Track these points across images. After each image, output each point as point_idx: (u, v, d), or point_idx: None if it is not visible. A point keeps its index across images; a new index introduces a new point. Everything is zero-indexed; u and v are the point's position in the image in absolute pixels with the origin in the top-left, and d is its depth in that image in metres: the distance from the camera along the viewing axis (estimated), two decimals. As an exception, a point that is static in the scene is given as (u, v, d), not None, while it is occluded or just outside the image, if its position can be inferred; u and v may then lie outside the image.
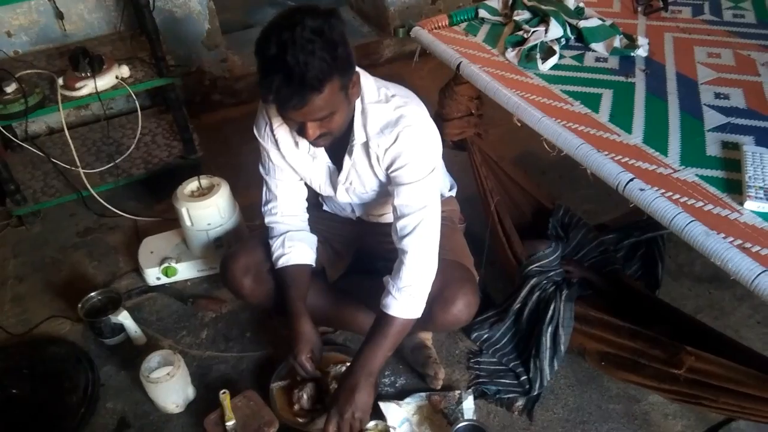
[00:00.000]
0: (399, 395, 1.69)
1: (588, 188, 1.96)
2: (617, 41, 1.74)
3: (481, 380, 1.72)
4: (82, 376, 1.77)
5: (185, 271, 2.08)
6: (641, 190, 1.26)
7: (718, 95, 1.54)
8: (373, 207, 1.65)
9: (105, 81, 2.14)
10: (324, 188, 1.57)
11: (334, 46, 1.18)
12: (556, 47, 1.73)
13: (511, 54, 1.74)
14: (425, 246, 1.42)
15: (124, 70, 2.20)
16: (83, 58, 2.10)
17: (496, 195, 1.86)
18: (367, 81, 1.38)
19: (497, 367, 1.75)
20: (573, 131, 1.43)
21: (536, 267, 1.72)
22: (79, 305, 1.90)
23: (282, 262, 1.56)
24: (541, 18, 1.81)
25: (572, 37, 1.81)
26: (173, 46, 2.69)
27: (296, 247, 1.57)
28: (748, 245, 1.13)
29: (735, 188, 1.26)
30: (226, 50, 2.96)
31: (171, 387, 1.64)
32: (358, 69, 1.31)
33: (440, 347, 1.81)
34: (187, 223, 1.98)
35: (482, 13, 1.94)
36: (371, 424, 1.51)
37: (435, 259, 1.45)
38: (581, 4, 1.89)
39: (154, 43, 2.17)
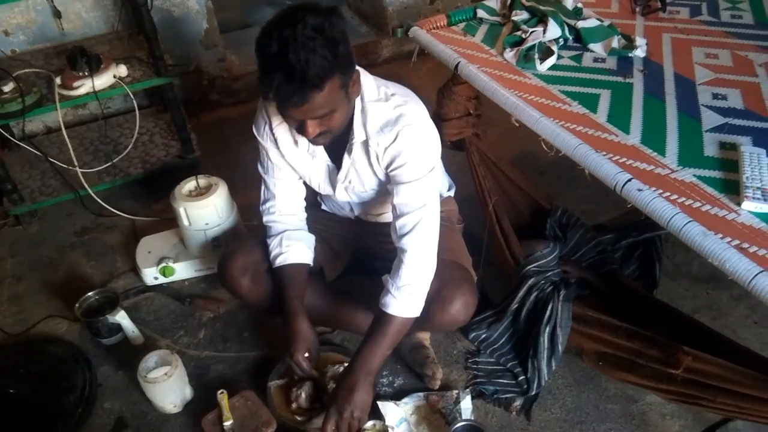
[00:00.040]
0: (397, 395, 1.69)
1: (586, 188, 1.97)
2: (615, 42, 1.74)
3: (479, 380, 1.73)
4: (80, 376, 1.77)
5: (183, 270, 2.08)
6: (639, 190, 1.26)
7: (715, 96, 1.54)
8: (372, 206, 1.65)
9: (103, 80, 2.13)
10: (323, 187, 1.57)
11: (335, 44, 1.19)
12: (555, 47, 1.73)
13: (510, 54, 1.74)
14: (424, 245, 1.42)
15: (122, 70, 2.19)
16: (81, 58, 2.09)
17: (494, 195, 1.86)
18: (366, 80, 1.39)
19: (495, 367, 1.76)
20: (571, 131, 1.44)
21: (534, 267, 1.72)
22: (77, 305, 1.90)
23: (279, 261, 1.56)
24: (539, 18, 1.81)
25: (570, 38, 1.81)
26: (171, 46, 2.69)
27: (294, 246, 1.57)
28: (745, 246, 1.13)
29: (732, 189, 1.26)
30: (224, 50, 2.96)
31: (168, 387, 1.64)
32: (357, 68, 1.31)
33: (438, 347, 1.81)
34: (185, 222, 1.98)
35: (480, 13, 1.94)
36: (369, 424, 1.51)
37: (434, 257, 1.45)
38: (579, 5, 1.89)
39: (152, 42, 2.17)
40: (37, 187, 2.36)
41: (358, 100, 1.37)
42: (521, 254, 1.76)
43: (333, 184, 1.54)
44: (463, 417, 1.60)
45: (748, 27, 1.84)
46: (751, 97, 1.52)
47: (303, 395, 1.57)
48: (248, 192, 2.04)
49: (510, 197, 1.96)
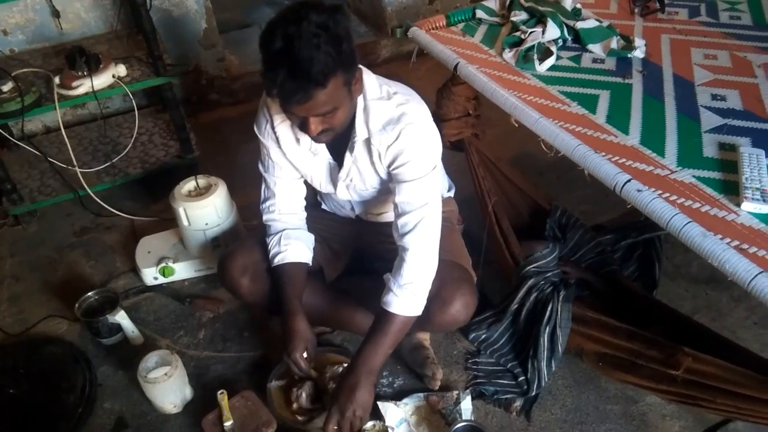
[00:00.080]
0: (397, 395, 1.69)
1: (585, 189, 1.97)
2: (614, 42, 1.74)
3: (479, 381, 1.73)
4: (80, 376, 1.77)
5: (182, 270, 2.08)
6: (638, 191, 1.26)
7: (714, 97, 1.55)
8: (373, 205, 1.65)
9: (102, 80, 2.13)
10: (324, 185, 1.57)
11: (339, 42, 1.19)
12: (554, 48, 1.73)
13: (509, 55, 1.74)
14: (426, 243, 1.42)
15: (121, 69, 2.19)
16: (80, 57, 2.09)
17: (493, 196, 1.86)
18: (369, 78, 1.39)
19: (495, 368, 1.76)
20: (570, 132, 1.44)
21: (533, 268, 1.72)
22: (76, 305, 1.89)
23: (278, 260, 1.56)
24: (538, 19, 1.81)
25: (569, 38, 1.81)
26: (170, 45, 2.69)
27: (293, 245, 1.57)
28: (745, 246, 1.13)
29: (732, 189, 1.26)
30: (224, 49, 2.96)
31: (168, 387, 1.64)
32: (360, 66, 1.32)
33: (438, 348, 1.81)
34: (185, 222, 1.97)
35: (479, 13, 1.94)
36: (369, 424, 1.51)
37: (435, 256, 1.45)
38: (578, 5, 1.89)
39: (151, 42, 2.17)
40: (37, 187, 2.36)
41: (360, 99, 1.37)
42: (521, 255, 1.76)
43: (334, 182, 1.54)
44: (463, 417, 1.60)
45: (747, 28, 1.84)
46: (750, 98, 1.52)
47: (303, 395, 1.57)
48: (247, 192, 2.04)
49: (509, 198, 1.96)
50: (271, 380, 1.67)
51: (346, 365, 1.65)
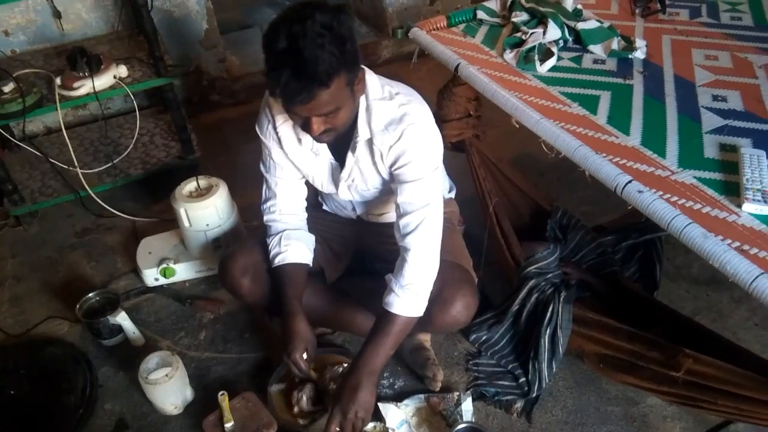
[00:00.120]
0: (398, 397, 1.69)
1: (586, 190, 1.97)
2: (615, 43, 1.74)
3: (479, 382, 1.73)
4: (81, 377, 1.77)
5: (183, 271, 2.08)
6: (639, 192, 1.26)
7: (715, 97, 1.54)
8: (374, 205, 1.65)
9: (103, 81, 2.13)
10: (326, 185, 1.57)
11: (343, 42, 1.19)
12: (554, 49, 1.73)
13: (510, 55, 1.74)
14: (428, 243, 1.42)
15: (122, 70, 2.19)
16: (81, 58, 2.09)
17: (494, 196, 1.86)
18: (371, 78, 1.39)
19: (496, 369, 1.76)
20: (571, 133, 1.44)
21: (534, 269, 1.72)
22: (77, 306, 1.90)
23: (278, 261, 1.56)
24: (539, 20, 1.81)
25: (570, 39, 1.81)
26: (171, 46, 2.69)
27: (293, 245, 1.57)
28: (746, 247, 1.13)
29: (733, 190, 1.26)
30: (225, 50, 2.96)
31: (169, 388, 1.64)
32: (362, 66, 1.32)
33: (439, 349, 1.81)
34: (186, 223, 1.98)
35: (480, 14, 1.94)
36: (370, 426, 1.51)
37: (437, 256, 1.45)
38: (579, 6, 1.89)
39: (152, 42, 2.17)
40: (38, 188, 2.36)
41: (362, 99, 1.37)
42: (522, 256, 1.76)
43: (336, 182, 1.54)
44: (464, 419, 1.60)
45: (748, 29, 1.84)
46: (751, 99, 1.52)
47: (304, 398, 1.57)
48: (248, 193, 2.04)
49: (510, 199, 1.96)
50: (272, 384, 1.66)
51: (346, 365, 1.65)
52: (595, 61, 1.73)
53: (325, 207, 1.77)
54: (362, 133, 1.39)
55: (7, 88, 2.03)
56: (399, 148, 1.39)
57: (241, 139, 2.71)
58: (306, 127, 1.30)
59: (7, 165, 2.26)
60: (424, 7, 3.25)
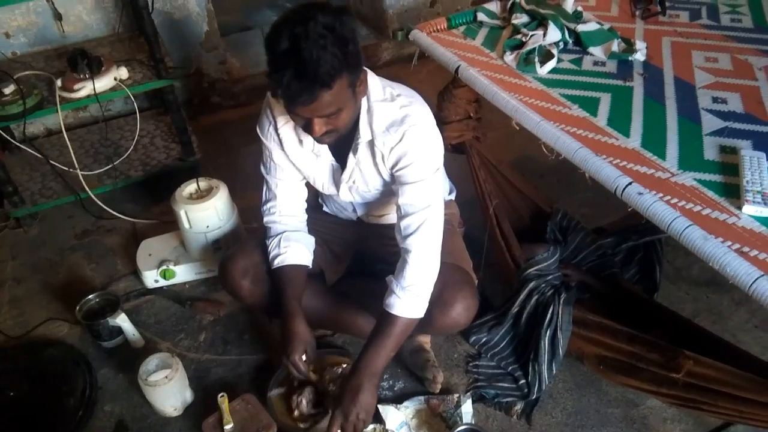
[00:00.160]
0: (397, 399, 1.69)
1: (586, 192, 1.97)
2: (615, 45, 1.75)
3: (479, 384, 1.72)
4: (80, 379, 1.77)
5: (183, 273, 2.08)
6: (639, 194, 1.26)
7: (715, 99, 1.55)
8: (375, 207, 1.65)
9: (103, 83, 2.14)
10: (327, 187, 1.57)
11: (345, 43, 1.19)
12: (555, 51, 1.73)
13: (510, 57, 1.74)
14: (429, 245, 1.43)
15: (123, 72, 2.20)
16: (82, 60, 2.10)
17: (494, 198, 1.86)
18: (373, 80, 1.39)
19: (496, 371, 1.75)
20: (571, 135, 1.44)
21: (534, 270, 1.72)
22: (77, 308, 1.89)
23: (278, 262, 1.56)
24: (539, 21, 1.81)
25: (570, 41, 1.81)
26: (172, 48, 2.69)
27: (292, 247, 1.57)
28: (746, 249, 1.13)
29: (733, 192, 1.26)
30: (225, 52, 2.96)
31: (169, 390, 1.63)
32: (364, 68, 1.32)
33: (439, 351, 1.81)
34: (186, 225, 1.98)
35: (481, 16, 1.94)
36: (370, 428, 1.51)
37: (438, 258, 1.45)
38: (579, 8, 1.90)
39: (153, 44, 2.17)
40: (38, 190, 2.36)
41: (363, 100, 1.37)
42: (522, 257, 1.76)
43: (337, 184, 1.54)
44: (464, 421, 1.60)
45: (748, 31, 1.84)
46: (751, 101, 1.52)
47: (304, 402, 1.57)
48: (248, 194, 2.05)
49: (510, 200, 1.96)
50: (272, 389, 1.66)
51: (345, 366, 1.66)
52: (596, 63, 1.74)
53: (325, 208, 1.77)
54: (363, 134, 1.40)
55: (7, 90, 2.03)
56: (400, 150, 1.39)
57: (241, 141, 2.71)
58: (307, 128, 1.30)
59: (8, 167, 2.26)
60: (424, 9, 3.25)
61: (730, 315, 1.88)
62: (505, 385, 1.72)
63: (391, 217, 1.67)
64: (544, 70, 1.69)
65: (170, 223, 2.15)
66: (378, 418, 1.55)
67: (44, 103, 2.11)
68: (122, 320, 1.84)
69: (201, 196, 1.98)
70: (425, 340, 1.78)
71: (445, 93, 1.88)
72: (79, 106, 2.51)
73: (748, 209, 1.21)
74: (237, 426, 1.54)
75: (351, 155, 1.45)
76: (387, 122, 1.38)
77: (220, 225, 1.99)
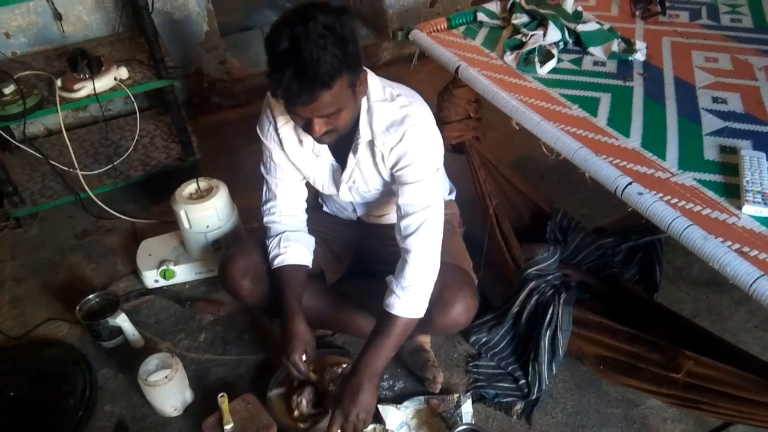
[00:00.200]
0: (397, 399, 1.69)
1: (586, 192, 1.97)
2: (615, 45, 1.75)
3: (479, 384, 1.72)
4: (80, 379, 1.77)
5: (183, 273, 2.08)
6: (639, 194, 1.26)
7: (715, 99, 1.55)
8: (375, 207, 1.65)
9: (103, 82, 2.14)
10: (327, 187, 1.57)
11: (345, 43, 1.19)
12: (555, 51, 1.73)
13: (510, 57, 1.74)
14: (429, 245, 1.43)
15: (123, 72, 2.20)
16: (82, 60, 2.10)
17: (494, 198, 1.86)
18: (373, 80, 1.39)
19: (496, 371, 1.75)
20: (571, 135, 1.44)
21: (534, 270, 1.72)
22: (77, 308, 1.89)
23: (278, 262, 1.56)
24: (539, 22, 1.81)
25: (570, 41, 1.81)
26: (172, 48, 2.69)
27: (292, 247, 1.57)
28: (746, 249, 1.13)
29: (733, 192, 1.26)
30: (225, 52, 2.96)
31: (169, 390, 1.63)
32: (364, 68, 1.32)
33: (439, 350, 1.81)
34: (186, 225, 1.98)
35: (481, 16, 1.94)
36: (369, 428, 1.51)
37: (438, 258, 1.45)
38: (579, 8, 1.90)
39: (153, 44, 2.17)
40: (38, 190, 2.36)
41: (363, 100, 1.38)
42: (522, 257, 1.76)
43: (337, 184, 1.55)
44: (464, 421, 1.60)
45: (748, 31, 1.84)
46: (751, 101, 1.52)
47: (304, 402, 1.57)
48: (248, 194, 2.05)
49: (510, 200, 1.96)
50: (271, 389, 1.66)
51: (345, 366, 1.66)
52: (595, 63, 1.74)
53: (325, 208, 1.77)
54: (363, 134, 1.40)
55: (7, 90, 2.03)
56: (400, 150, 1.39)
57: (241, 141, 2.71)
58: (307, 128, 1.30)
59: (8, 166, 2.26)
60: (424, 9, 3.25)
61: (730, 315, 1.88)
62: (505, 385, 1.72)
63: (390, 217, 1.68)
64: (544, 70, 1.69)
65: (170, 223, 2.15)
66: (378, 418, 1.55)
67: (44, 103, 2.11)
68: (122, 320, 1.84)
69: (201, 196, 1.98)
70: (425, 340, 1.78)
71: (445, 93, 1.88)
72: (79, 106, 2.51)
73: (748, 209, 1.21)
74: (237, 426, 1.54)
75: (351, 155, 1.45)
76: (387, 122, 1.38)
77: (220, 225, 1.99)
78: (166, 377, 1.61)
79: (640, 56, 1.72)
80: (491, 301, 1.90)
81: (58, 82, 2.12)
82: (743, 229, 1.18)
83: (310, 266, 1.62)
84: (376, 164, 1.45)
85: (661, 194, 1.26)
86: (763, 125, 1.44)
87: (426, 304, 1.45)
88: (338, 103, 1.25)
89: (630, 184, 1.28)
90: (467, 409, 1.63)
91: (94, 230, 2.37)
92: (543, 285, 1.70)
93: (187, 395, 1.71)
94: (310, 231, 1.65)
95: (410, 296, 1.41)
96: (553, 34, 1.76)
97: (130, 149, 2.44)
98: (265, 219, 1.62)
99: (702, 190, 1.28)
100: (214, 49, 2.89)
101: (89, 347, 1.90)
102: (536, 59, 1.70)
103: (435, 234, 1.43)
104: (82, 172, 2.27)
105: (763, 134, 1.41)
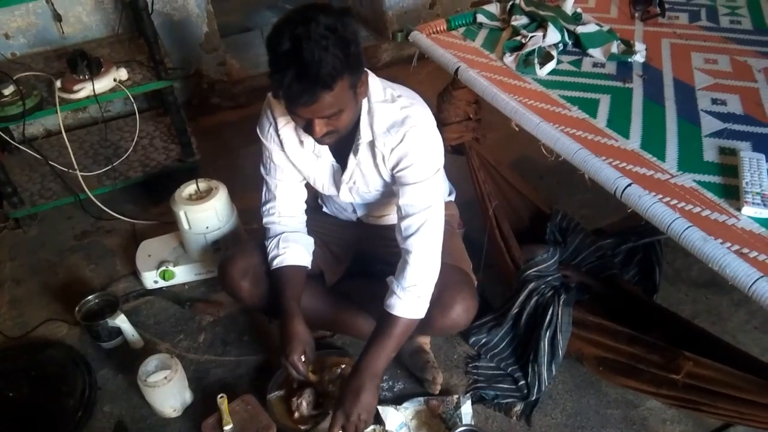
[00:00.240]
0: (397, 400, 1.69)
1: (585, 193, 1.97)
2: (614, 47, 1.75)
3: (479, 385, 1.72)
4: (79, 380, 1.76)
5: (183, 274, 2.08)
6: (639, 195, 1.26)
7: (715, 101, 1.55)
8: (375, 208, 1.65)
9: (103, 84, 2.14)
10: (327, 188, 1.58)
11: (347, 44, 1.19)
12: (554, 52, 1.74)
13: (509, 59, 1.74)
14: (429, 246, 1.43)
15: (122, 73, 2.20)
16: (81, 61, 2.10)
17: (494, 199, 1.86)
18: (373, 81, 1.39)
19: (495, 372, 1.75)
20: (571, 136, 1.44)
21: (534, 272, 1.72)
22: (77, 308, 1.89)
23: (277, 263, 1.56)
24: (539, 23, 1.82)
25: (570, 43, 1.82)
26: (171, 49, 2.69)
27: (291, 248, 1.57)
28: (745, 251, 1.13)
29: (732, 194, 1.26)
30: (225, 53, 2.96)
31: (168, 391, 1.63)
32: (365, 69, 1.32)
33: (438, 352, 1.81)
34: (185, 226, 1.97)
35: (480, 17, 1.94)
36: (370, 429, 1.51)
37: (438, 259, 1.45)
38: (579, 10, 1.90)
39: (153, 46, 2.17)
40: (37, 191, 2.36)
41: (364, 101, 1.38)
42: (521, 259, 1.76)
43: (337, 184, 1.55)
44: (464, 422, 1.60)
45: (747, 32, 1.85)
46: (750, 103, 1.53)
47: (304, 403, 1.57)
48: (248, 195, 2.05)
49: (510, 202, 1.97)
50: (271, 391, 1.65)
51: (344, 366, 1.66)
52: (595, 65, 1.74)
53: (325, 209, 1.77)
54: (364, 135, 1.40)
55: (7, 91, 2.03)
56: (401, 151, 1.39)
57: (240, 142, 2.71)
58: (308, 129, 1.31)
59: (7, 167, 2.26)
60: (423, 11, 3.26)
61: (729, 316, 1.88)
62: (505, 386, 1.72)
63: (390, 218, 1.68)
64: (543, 72, 1.69)
65: (170, 224, 2.15)
66: (378, 419, 1.55)
67: (44, 104, 2.11)
68: (121, 321, 1.84)
69: (200, 197, 1.98)
70: (425, 341, 1.78)
71: (444, 94, 1.88)
72: (79, 107, 2.52)
73: (748, 210, 1.21)
74: (236, 427, 1.54)
75: (351, 156, 1.45)
76: (388, 123, 1.38)
77: (219, 226, 1.99)
78: (165, 378, 1.61)
79: (639, 58, 1.72)
80: (491, 302, 1.90)
81: (58, 83, 2.12)
82: (743, 231, 1.19)
83: (309, 267, 1.62)
84: (376, 165, 1.45)
85: (660, 195, 1.26)
86: (762, 127, 1.44)
87: (427, 305, 1.45)
88: (339, 104, 1.25)
89: (630, 185, 1.28)
90: (467, 410, 1.63)
91: (93, 231, 2.37)
92: (543, 286, 1.70)
93: (187, 396, 1.71)
94: (310, 232, 1.65)
95: (411, 297, 1.42)
96: (553, 35, 1.76)
97: (130, 150, 2.44)
98: (265, 220, 1.62)
99: (701, 192, 1.28)
100: (213, 51, 2.89)
101: (89, 348, 1.90)
102: (536, 61, 1.70)
103: (436, 234, 1.43)
104: (82, 173, 2.27)
105: (762, 136, 1.42)
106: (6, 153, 2.50)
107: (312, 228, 1.66)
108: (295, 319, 1.52)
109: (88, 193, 2.28)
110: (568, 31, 1.81)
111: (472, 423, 1.61)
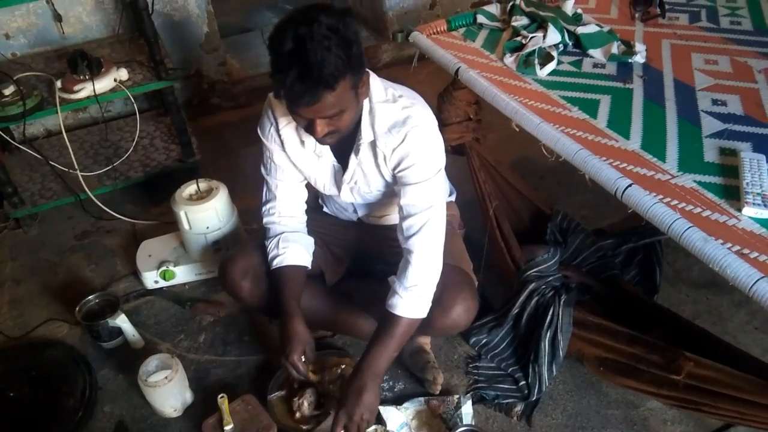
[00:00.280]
0: (398, 400, 1.69)
1: (586, 193, 1.97)
2: (615, 47, 1.75)
3: (479, 385, 1.72)
4: (80, 380, 1.77)
5: (183, 274, 2.08)
6: (639, 196, 1.26)
7: (715, 102, 1.55)
8: (376, 208, 1.66)
9: (103, 84, 2.14)
10: (328, 188, 1.58)
11: (349, 45, 1.19)
12: (554, 53, 1.74)
13: (510, 59, 1.74)
14: (431, 246, 1.43)
15: (123, 73, 2.20)
16: (81, 61, 2.10)
17: (494, 200, 1.86)
18: (375, 81, 1.40)
19: (496, 372, 1.76)
20: (571, 137, 1.44)
21: (534, 272, 1.72)
22: (77, 308, 1.89)
23: (276, 263, 1.57)
24: (539, 24, 1.82)
25: (570, 43, 1.82)
26: (172, 50, 2.69)
27: (291, 248, 1.57)
28: (746, 251, 1.13)
29: (733, 194, 1.26)
30: (225, 53, 2.96)
31: (169, 391, 1.63)
32: (367, 69, 1.32)
33: (439, 352, 1.81)
34: (186, 226, 1.98)
35: (481, 18, 1.95)
36: (370, 429, 1.51)
37: (440, 259, 1.46)
38: (579, 11, 1.90)
39: (153, 46, 2.18)
40: (38, 191, 2.36)
41: (366, 101, 1.38)
42: (522, 259, 1.76)
43: (338, 184, 1.55)
44: (464, 422, 1.60)
45: (747, 33, 1.85)
46: (751, 103, 1.53)
47: (305, 404, 1.57)
48: (248, 195, 2.05)
49: (510, 202, 1.97)
50: (271, 391, 1.65)
51: (344, 367, 1.66)
52: (595, 66, 1.74)
53: (325, 209, 1.77)
54: (365, 135, 1.40)
55: (7, 91, 2.03)
56: (402, 151, 1.39)
57: (241, 142, 2.72)
58: (310, 129, 1.31)
59: (7, 167, 2.27)
60: (424, 11, 3.26)
61: (730, 317, 1.88)
62: (505, 386, 1.72)
63: (391, 218, 1.68)
64: (543, 72, 1.69)
65: (170, 224, 2.15)
66: (379, 419, 1.55)
67: (44, 104, 2.11)
68: (122, 321, 1.84)
69: (201, 197, 1.99)
70: (425, 341, 1.78)
71: (445, 95, 1.88)
72: (79, 107, 2.52)
73: (748, 211, 1.21)
74: (237, 427, 1.54)
75: (353, 156, 1.45)
76: (389, 123, 1.38)
77: (219, 226, 1.99)
78: (166, 378, 1.61)
79: (639, 58, 1.72)
80: (491, 302, 1.90)
81: (58, 84, 2.13)
82: (743, 231, 1.19)
83: (309, 267, 1.62)
84: (378, 165, 1.45)
85: (661, 196, 1.26)
86: (762, 127, 1.44)
87: (429, 305, 1.45)
88: (341, 105, 1.25)
89: (630, 185, 1.28)
90: (467, 410, 1.63)
91: (93, 231, 2.37)
92: (543, 286, 1.70)
93: (187, 396, 1.71)
94: (310, 232, 1.65)
95: (413, 296, 1.42)
96: (553, 36, 1.76)
97: (130, 150, 2.44)
98: (265, 220, 1.62)
99: (702, 192, 1.28)
100: (213, 51, 2.89)
101: (89, 348, 1.90)
102: (536, 61, 1.70)
103: (437, 234, 1.44)
104: (82, 173, 2.27)
105: (762, 136, 1.42)
106: (6, 153, 2.50)
107: (312, 228, 1.66)
108: (295, 319, 1.52)
109: (89, 193, 2.28)
110: (569, 31, 1.81)
111: (473, 423, 1.61)
